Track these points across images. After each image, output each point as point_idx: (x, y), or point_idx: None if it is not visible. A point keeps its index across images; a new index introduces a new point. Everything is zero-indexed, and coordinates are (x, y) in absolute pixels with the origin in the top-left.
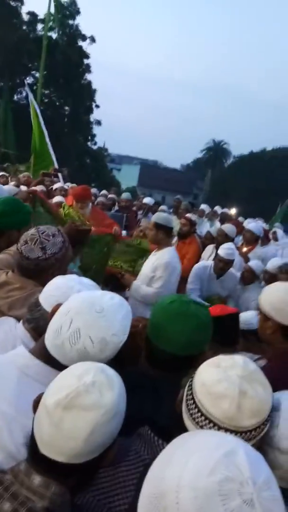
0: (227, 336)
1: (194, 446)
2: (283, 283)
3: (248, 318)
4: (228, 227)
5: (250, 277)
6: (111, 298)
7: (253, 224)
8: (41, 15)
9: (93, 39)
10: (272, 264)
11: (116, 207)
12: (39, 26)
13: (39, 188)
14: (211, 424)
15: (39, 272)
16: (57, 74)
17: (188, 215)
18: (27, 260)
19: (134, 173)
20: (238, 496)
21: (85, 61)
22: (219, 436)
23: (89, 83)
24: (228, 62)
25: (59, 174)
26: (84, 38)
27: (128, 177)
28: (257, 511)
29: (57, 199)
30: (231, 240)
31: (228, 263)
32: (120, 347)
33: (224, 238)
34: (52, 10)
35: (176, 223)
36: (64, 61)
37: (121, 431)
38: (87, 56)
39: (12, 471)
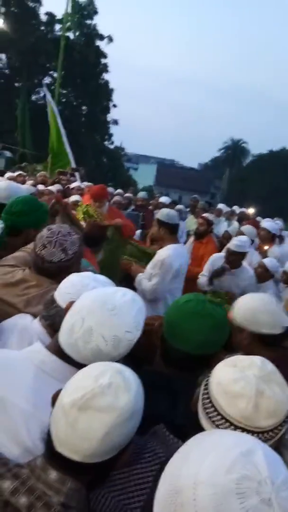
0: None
1: (211, 445)
2: (253, 294)
3: None
4: (247, 228)
5: (263, 274)
6: (123, 295)
7: (268, 223)
8: (59, 16)
9: (110, 39)
10: None
11: (132, 207)
12: (57, 27)
13: (56, 187)
14: (227, 424)
15: (60, 272)
16: (74, 74)
17: (205, 214)
18: (50, 263)
19: (151, 172)
20: (256, 495)
21: (103, 60)
22: (237, 435)
23: (107, 82)
24: (247, 61)
25: (76, 173)
26: (101, 37)
27: (145, 176)
28: (275, 510)
29: (73, 198)
30: (251, 241)
31: (237, 255)
32: (134, 344)
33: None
34: (70, 10)
35: (193, 223)
36: (81, 61)
37: (137, 430)
38: (104, 56)
39: (29, 465)
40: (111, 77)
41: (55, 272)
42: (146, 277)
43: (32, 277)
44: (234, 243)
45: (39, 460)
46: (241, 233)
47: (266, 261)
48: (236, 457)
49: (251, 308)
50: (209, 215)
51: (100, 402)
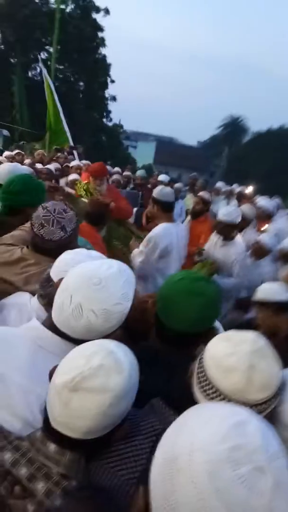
0: None
1: (206, 415)
2: None
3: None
4: (246, 208)
5: (259, 251)
6: (109, 267)
7: (264, 201)
8: None
9: (107, 11)
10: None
11: (132, 185)
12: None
13: (54, 166)
14: (221, 397)
15: (59, 249)
16: (71, 48)
17: (201, 193)
18: (50, 242)
19: (150, 150)
20: (249, 463)
21: (100, 34)
22: (232, 407)
23: (104, 57)
24: (249, 35)
25: (74, 152)
26: (98, 10)
27: (144, 154)
28: (267, 478)
29: (72, 176)
30: (250, 221)
31: (227, 226)
32: (126, 314)
33: (242, 220)
34: None
35: (192, 201)
36: (77, 35)
37: (134, 404)
38: (101, 29)
39: (29, 438)
40: (109, 52)
41: (55, 250)
42: (138, 254)
43: (31, 255)
44: (221, 213)
45: (38, 433)
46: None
47: (262, 237)
48: (230, 427)
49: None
50: (205, 193)
51: (91, 383)
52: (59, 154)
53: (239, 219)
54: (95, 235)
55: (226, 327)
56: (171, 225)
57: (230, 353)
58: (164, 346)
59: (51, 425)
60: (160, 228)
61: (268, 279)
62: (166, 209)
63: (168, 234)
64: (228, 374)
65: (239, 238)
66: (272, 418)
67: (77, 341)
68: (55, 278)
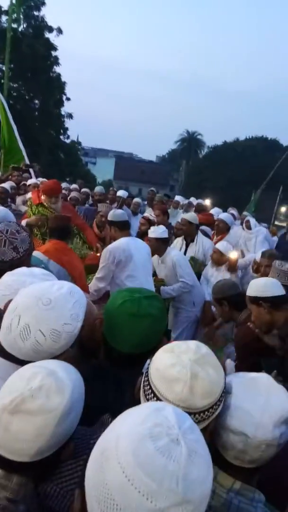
0: None
1: (129, 412)
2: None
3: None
4: (190, 215)
5: (218, 258)
6: (59, 288)
7: (224, 214)
8: (5, 7)
9: (60, 31)
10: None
11: (90, 201)
12: (3, 18)
13: (8, 184)
14: None
15: (11, 270)
16: (24, 67)
17: (146, 214)
18: (2, 263)
19: (109, 166)
20: (166, 437)
21: (53, 53)
22: (150, 402)
23: (58, 75)
24: (201, 53)
25: (31, 170)
26: (50, 29)
27: (103, 170)
28: (182, 448)
29: (30, 195)
30: (196, 226)
31: (156, 241)
32: (76, 335)
33: (188, 226)
34: (14, 0)
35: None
36: (31, 54)
37: (85, 421)
38: (54, 48)
39: None
40: (63, 70)
41: (7, 270)
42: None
43: None
44: (149, 232)
45: None
46: (184, 220)
47: (219, 245)
48: (149, 412)
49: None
50: (149, 215)
51: (30, 405)
52: (15, 172)
53: (165, 235)
54: (68, 249)
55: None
56: (127, 239)
57: (173, 364)
58: (113, 367)
59: None
60: (116, 241)
61: None
62: (122, 228)
63: (124, 244)
64: (172, 385)
65: (170, 248)
66: (218, 425)
67: (24, 363)
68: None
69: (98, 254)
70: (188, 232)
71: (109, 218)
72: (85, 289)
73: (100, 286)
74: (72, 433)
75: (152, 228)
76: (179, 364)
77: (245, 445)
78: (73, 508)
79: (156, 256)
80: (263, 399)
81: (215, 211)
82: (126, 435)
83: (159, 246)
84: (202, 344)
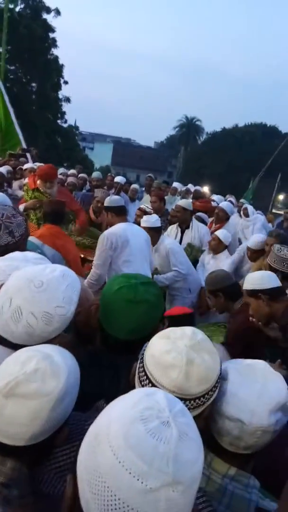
0: None
1: (122, 397)
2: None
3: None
4: (185, 202)
5: (216, 246)
6: (52, 271)
7: (225, 203)
8: None
9: (58, 12)
10: (253, 241)
11: (88, 187)
12: None
13: (5, 169)
14: None
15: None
16: (21, 48)
17: (142, 206)
18: None
19: (107, 151)
20: (157, 419)
21: (51, 35)
22: (144, 388)
23: (56, 58)
24: (201, 37)
25: (27, 154)
26: (48, 10)
27: (101, 155)
28: (173, 430)
29: (27, 180)
30: (191, 212)
31: (149, 230)
32: (69, 318)
33: (183, 212)
34: None
35: (148, 202)
36: (28, 35)
37: (80, 407)
38: (52, 30)
39: None
40: (61, 53)
41: (2, 255)
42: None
43: None
44: (142, 221)
45: None
46: (178, 206)
47: (218, 233)
48: (140, 397)
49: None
50: (146, 206)
51: (25, 389)
52: (11, 158)
53: (158, 224)
54: (63, 233)
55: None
56: (124, 224)
57: (168, 350)
58: (110, 353)
59: None
60: (112, 227)
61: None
62: (118, 214)
63: (121, 230)
64: (167, 371)
65: (163, 237)
66: (213, 411)
67: (18, 347)
68: None
69: None
70: (183, 219)
71: (106, 203)
72: (80, 273)
73: (99, 273)
74: (67, 418)
75: (144, 217)
76: (174, 350)
77: (240, 431)
78: (65, 493)
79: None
80: (259, 385)
81: (217, 198)
82: (118, 418)
83: (152, 235)
84: (198, 330)
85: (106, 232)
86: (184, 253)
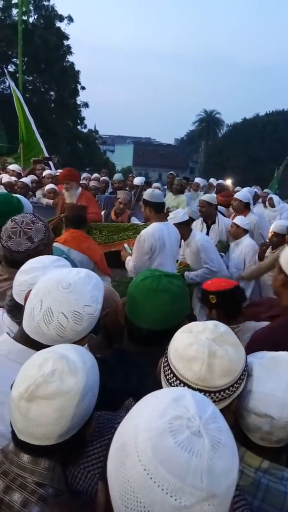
0: (234, 308)
1: (148, 400)
2: None
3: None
4: (209, 196)
5: (235, 231)
6: (77, 273)
7: (239, 193)
8: (15, 0)
9: (70, 19)
10: (277, 225)
11: (110, 189)
12: (14, 11)
13: (30, 178)
14: (186, 387)
15: None
16: (37, 59)
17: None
18: (18, 253)
19: (128, 152)
20: (187, 430)
21: (65, 42)
22: (168, 388)
23: (72, 64)
24: (211, 29)
25: (50, 162)
26: (61, 18)
27: (122, 157)
28: (205, 440)
29: (48, 186)
30: (215, 207)
31: (179, 225)
32: (97, 317)
33: (208, 207)
34: None
35: (171, 200)
36: (43, 45)
37: (109, 406)
38: (66, 37)
39: (2, 451)
40: (76, 59)
41: (25, 261)
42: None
43: (4, 270)
44: (169, 217)
45: (11, 445)
46: (203, 201)
47: (236, 220)
48: (167, 403)
49: None
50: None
51: (45, 390)
52: (37, 166)
53: (186, 217)
54: (86, 236)
55: None
56: (161, 224)
57: (191, 343)
58: (135, 346)
59: (17, 437)
60: (151, 227)
61: (248, 252)
62: (157, 210)
63: (158, 231)
64: (190, 364)
65: (195, 231)
66: (241, 407)
67: None
68: (18, 299)
69: None
70: (208, 214)
71: (146, 197)
72: (106, 272)
73: (134, 268)
74: (91, 413)
75: (170, 214)
76: (196, 343)
77: (271, 426)
78: (98, 500)
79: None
80: (285, 378)
81: (238, 193)
82: (145, 430)
83: (182, 230)
84: (220, 323)
85: (145, 233)
86: (215, 249)
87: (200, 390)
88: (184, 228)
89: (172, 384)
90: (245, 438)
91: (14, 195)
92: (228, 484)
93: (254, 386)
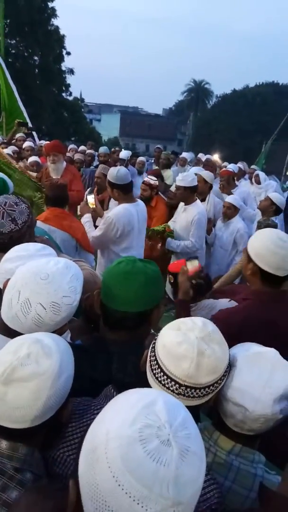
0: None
1: (120, 404)
2: (271, 230)
3: None
4: (207, 174)
5: (232, 212)
6: (55, 263)
7: (229, 166)
8: None
9: None
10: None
11: (97, 162)
12: None
13: (11, 149)
14: (173, 383)
15: (12, 244)
16: (21, 21)
17: (146, 179)
18: (1, 235)
19: (115, 122)
20: (156, 439)
21: (50, 4)
22: (142, 392)
23: (57, 28)
24: None
25: (33, 133)
26: None
27: (109, 127)
28: (173, 449)
29: (32, 159)
30: (209, 186)
31: (185, 189)
32: (75, 307)
33: (202, 184)
34: None
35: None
36: (27, 7)
37: (89, 393)
38: None
39: None
40: (61, 23)
41: (7, 243)
42: (96, 230)
43: None
44: (178, 179)
45: None
46: (200, 177)
47: (230, 199)
48: (139, 410)
49: (264, 246)
50: (150, 178)
51: (21, 373)
52: (18, 135)
53: (195, 183)
54: (67, 213)
55: None
56: (130, 206)
57: (180, 342)
58: (112, 332)
59: None
60: (119, 209)
61: (240, 234)
62: (125, 191)
63: (128, 215)
64: (179, 362)
65: (199, 202)
66: (220, 395)
67: None
68: (2, 287)
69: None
70: (200, 190)
71: (111, 179)
72: (89, 249)
73: (96, 243)
74: (67, 396)
75: (180, 175)
76: (186, 342)
77: (244, 416)
78: (69, 498)
79: (181, 203)
80: (266, 374)
81: (230, 166)
82: (116, 437)
83: (188, 195)
84: (208, 321)
85: (113, 216)
86: (205, 227)
87: (186, 387)
88: (189, 193)
89: (159, 379)
90: (221, 422)
91: None
92: (194, 491)
93: (235, 377)
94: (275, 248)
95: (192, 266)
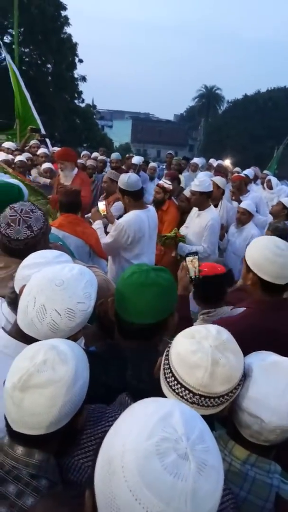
0: (210, 295)
1: (136, 415)
2: (268, 238)
3: None
4: (220, 180)
5: (246, 218)
6: (70, 270)
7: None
8: None
9: None
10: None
11: (108, 168)
12: None
13: (25, 156)
14: (187, 391)
15: (28, 250)
16: (34, 30)
17: (160, 182)
18: (17, 241)
19: (126, 128)
20: (174, 452)
21: (63, 13)
22: (158, 402)
23: (69, 36)
24: (213, 2)
25: (47, 140)
26: None
27: (120, 133)
28: (191, 463)
29: (45, 165)
30: (222, 191)
31: (200, 194)
32: (90, 313)
33: (215, 190)
34: None
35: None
36: (40, 15)
37: (104, 400)
38: (64, 8)
39: None
40: (73, 31)
41: (23, 250)
42: (107, 236)
43: (0, 259)
44: (194, 184)
45: (6, 438)
46: (213, 183)
47: (244, 205)
48: (155, 422)
49: (262, 255)
50: (165, 182)
51: (38, 379)
52: (32, 142)
53: (210, 188)
54: (80, 219)
55: None
56: (141, 212)
57: (194, 350)
58: (127, 342)
59: (12, 428)
60: (131, 216)
61: (255, 235)
62: (136, 198)
63: (139, 221)
64: (193, 371)
65: (213, 207)
66: (235, 405)
67: None
68: (16, 288)
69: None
70: (214, 196)
71: (122, 186)
72: (102, 254)
73: (107, 250)
74: (82, 402)
75: (196, 181)
76: (200, 350)
77: (260, 427)
78: (85, 507)
79: (195, 208)
80: (283, 385)
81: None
82: (133, 450)
83: (203, 200)
84: (222, 329)
85: (124, 223)
86: (218, 234)
87: (200, 396)
88: (205, 198)
89: (173, 388)
90: (236, 432)
91: (14, 183)
92: (212, 505)
93: (251, 387)
94: (273, 256)
95: (191, 262)
